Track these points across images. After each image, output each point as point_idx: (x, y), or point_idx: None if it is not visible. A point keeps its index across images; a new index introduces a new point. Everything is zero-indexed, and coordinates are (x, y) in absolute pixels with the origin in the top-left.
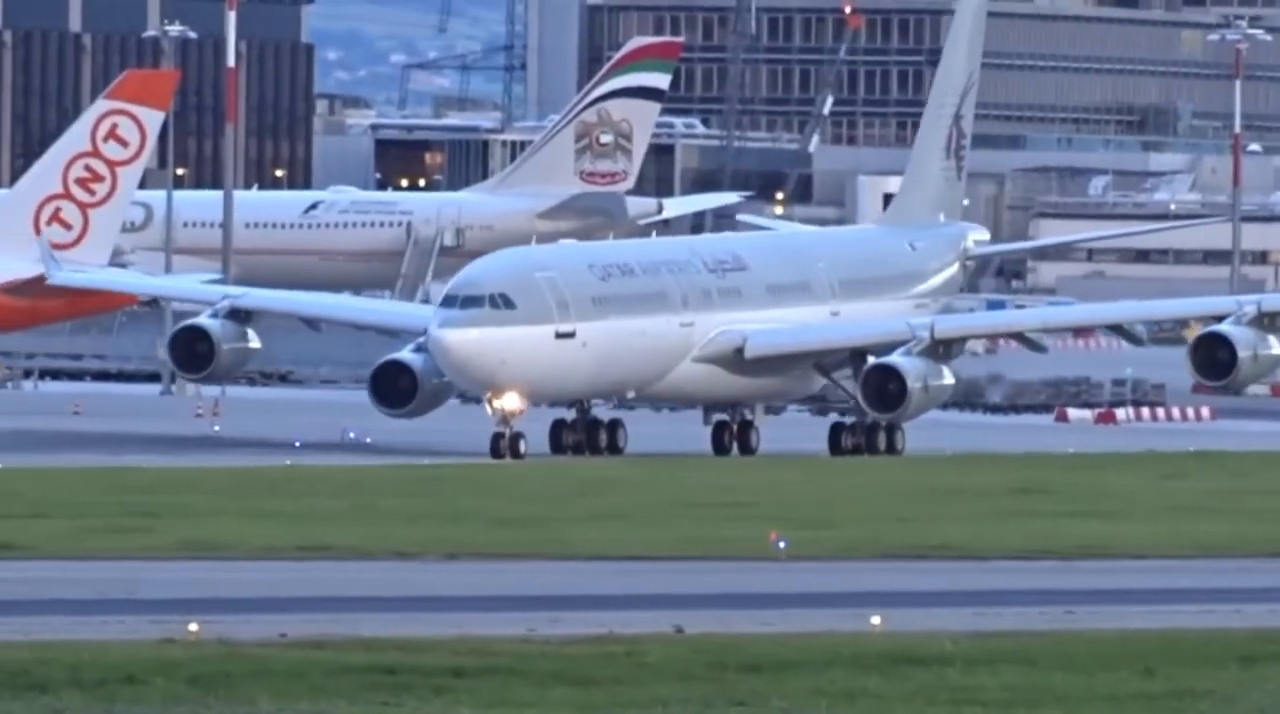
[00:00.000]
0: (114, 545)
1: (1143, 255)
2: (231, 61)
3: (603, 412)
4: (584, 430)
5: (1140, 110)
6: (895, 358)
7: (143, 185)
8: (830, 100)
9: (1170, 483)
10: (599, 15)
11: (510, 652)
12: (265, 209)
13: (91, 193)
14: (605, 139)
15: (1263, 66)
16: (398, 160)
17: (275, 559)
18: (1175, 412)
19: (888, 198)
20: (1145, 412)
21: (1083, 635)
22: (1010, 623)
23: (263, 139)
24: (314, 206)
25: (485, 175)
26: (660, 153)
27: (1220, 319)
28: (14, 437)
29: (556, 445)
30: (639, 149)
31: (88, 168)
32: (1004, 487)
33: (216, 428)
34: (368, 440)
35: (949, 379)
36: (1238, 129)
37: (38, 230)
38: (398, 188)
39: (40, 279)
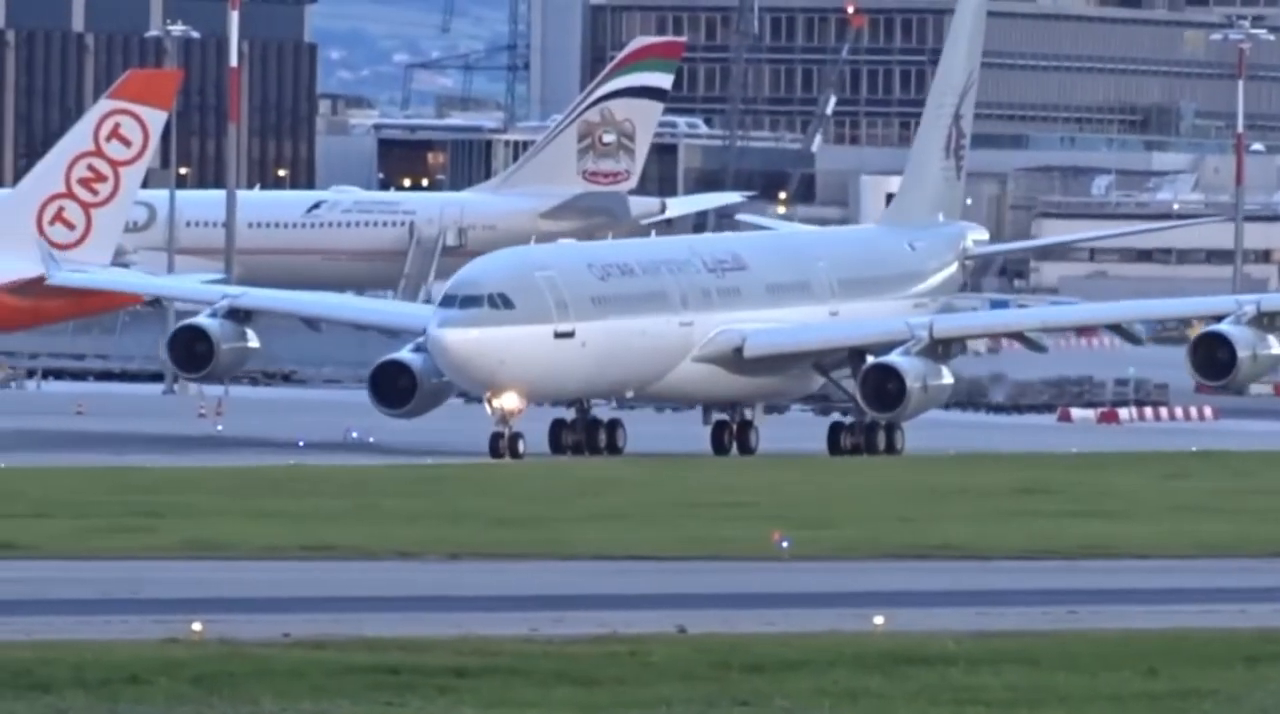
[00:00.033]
0: (117, 545)
1: (1145, 255)
2: (234, 61)
3: (602, 411)
4: (583, 430)
5: (1143, 110)
6: (894, 357)
7: (145, 185)
8: (833, 100)
9: (1173, 483)
10: (602, 15)
11: (513, 651)
12: (268, 209)
13: (94, 192)
14: (608, 139)
15: (1265, 66)
16: (400, 160)
17: (278, 559)
18: (1178, 411)
19: (890, 198)
20: (1148, 411)
21: (1086, 635)
22: (1013, 623)
23: (265, 139)
24: (317, 206)
25: (488, 175)
26: (663, 153)
27: (1220, 319)
28: (17, 436)
29: (556, 445)
30: (642, 149)
31: (90, 167)
32: (1006, 486)
33: (219, 428)
34: (370, 440)
35: (948, 379)
36: (1240, 129)
37: (41, 230)
38: (400, 188)
39: (42, 279)
